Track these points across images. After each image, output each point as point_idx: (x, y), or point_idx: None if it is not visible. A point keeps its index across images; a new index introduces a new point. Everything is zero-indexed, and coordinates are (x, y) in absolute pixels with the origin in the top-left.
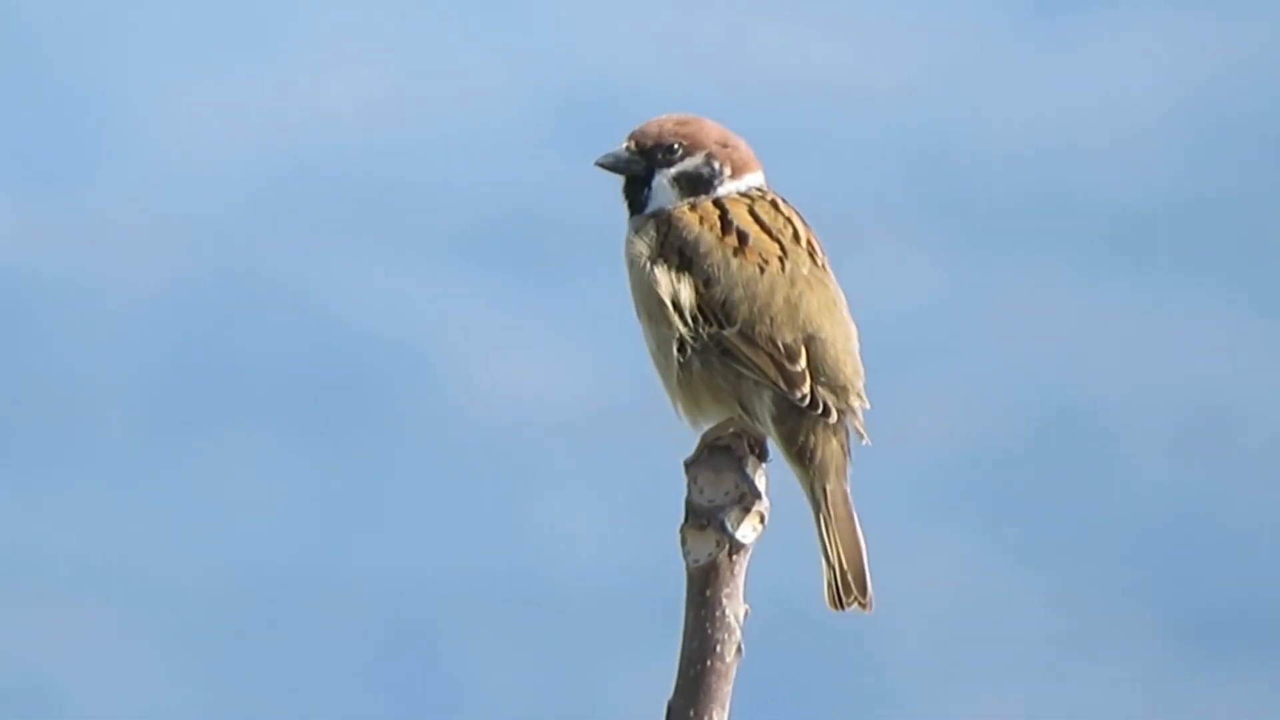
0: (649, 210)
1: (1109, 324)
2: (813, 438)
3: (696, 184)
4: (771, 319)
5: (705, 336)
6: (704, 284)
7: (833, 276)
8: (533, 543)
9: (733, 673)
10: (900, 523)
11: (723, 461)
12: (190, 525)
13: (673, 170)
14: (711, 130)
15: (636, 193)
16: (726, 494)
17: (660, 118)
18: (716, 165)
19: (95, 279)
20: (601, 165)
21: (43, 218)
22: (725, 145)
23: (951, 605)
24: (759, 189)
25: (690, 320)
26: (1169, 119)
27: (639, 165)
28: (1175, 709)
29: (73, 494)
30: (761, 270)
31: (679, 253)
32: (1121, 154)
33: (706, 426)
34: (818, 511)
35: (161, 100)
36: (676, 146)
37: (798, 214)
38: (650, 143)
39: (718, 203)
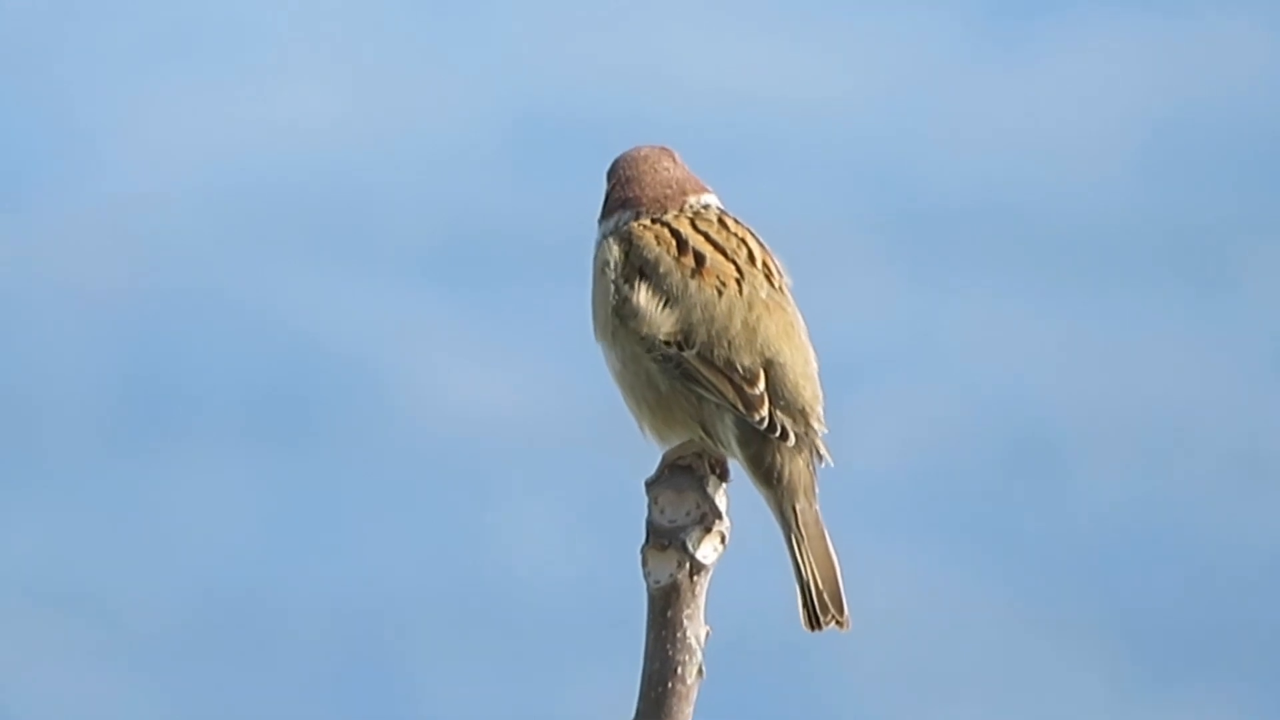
0: (602, 231)
1: (1065, 339)
2: (779, 459)
3: (624, 206)
4: (730, 342)
5: (665, 357)
6: (663, 305)
7: (790, 299)
8: (490, 560)
9: (694, 694)
10: (858, 539)
11: (684, 481)
12: (144, 540)
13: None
14: (637, 169)
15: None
16: (688, 514)
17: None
18: (637, 209)
19: (52, 292)
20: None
21: (1, 228)
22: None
23: (910, 622)
24: (705, 205)
25: (652, 340)
26: (1126, 133)
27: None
28: None
29: (25, 507)
30: (719, 293)
31: (639, 272)
32: (1078, 168)
33: (671, 444)
34: (789, 532)
35: (121, 115)
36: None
37: (752, 234)
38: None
39: (664, 223)
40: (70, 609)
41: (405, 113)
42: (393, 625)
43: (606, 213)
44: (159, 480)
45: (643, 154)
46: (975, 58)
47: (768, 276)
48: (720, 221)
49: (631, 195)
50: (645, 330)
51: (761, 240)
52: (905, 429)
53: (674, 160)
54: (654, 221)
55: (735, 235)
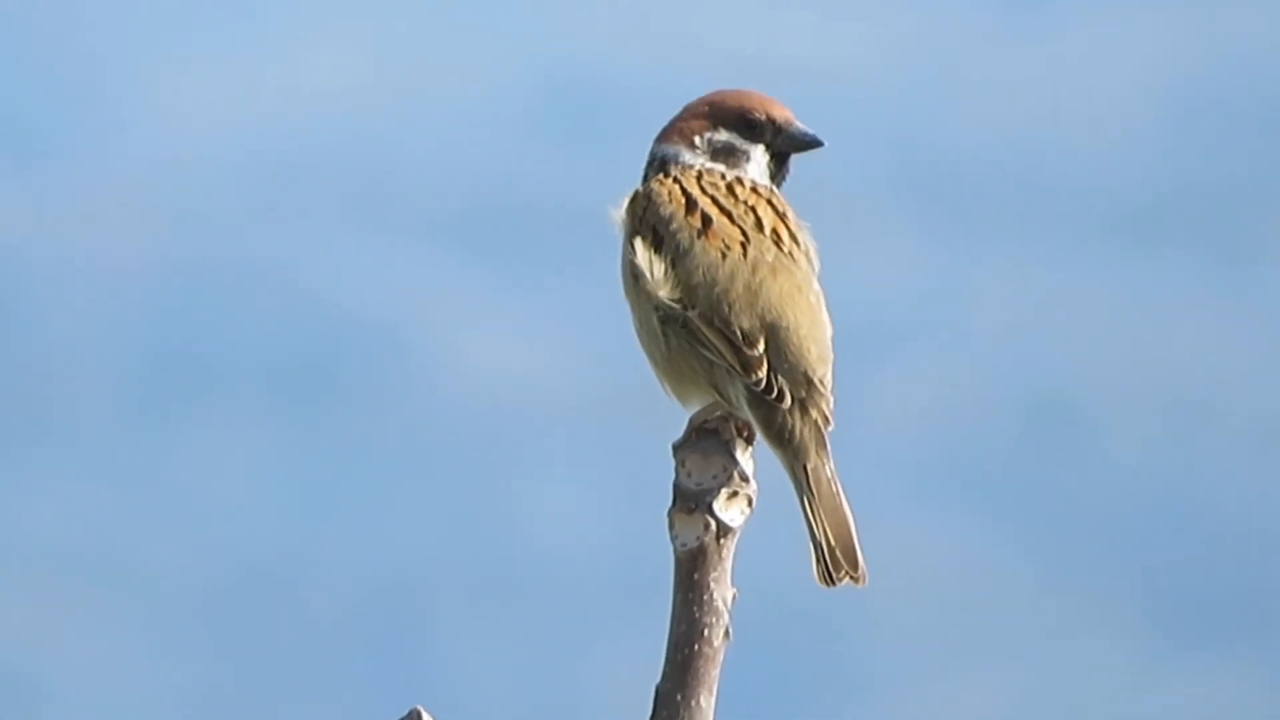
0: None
1: (1093, 308)
2: (789, 419)
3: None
4: (730, 304)
5: (670, 317)
6: (671, 263)
7: (803, 263)
8: (516, 526)
9: (720, 657)
10: (885, 506)
11: (711, 445)
12: (171, 507)
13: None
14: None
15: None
16: (714, 478)
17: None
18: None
19: (78, 259)
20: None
21: (26, 197)
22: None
23: (937, 589)
24: (707, 168)
25: (663, 298)
26: (1154, 104)
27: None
28: (1160, 691)
29: (53, 476)
30: (723, 256)
31: (653, 229)
32: (1105, 138)
33: (694, 406)
34: (801, 491)
35: (147, 81)
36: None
37: (769, 200)
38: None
39: (677, 181)
40: (98, 577)
41: (432, 78)
42: (419, 591)
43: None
44: (186, 448)
45: (693, 103)
46: (999, 22)
47: (776, 242)
48: (729, 188)
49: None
50: (652, 288)
51: (786, 213)
52: (930, 395)
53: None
54: (668, 177)
55: (744, 202)
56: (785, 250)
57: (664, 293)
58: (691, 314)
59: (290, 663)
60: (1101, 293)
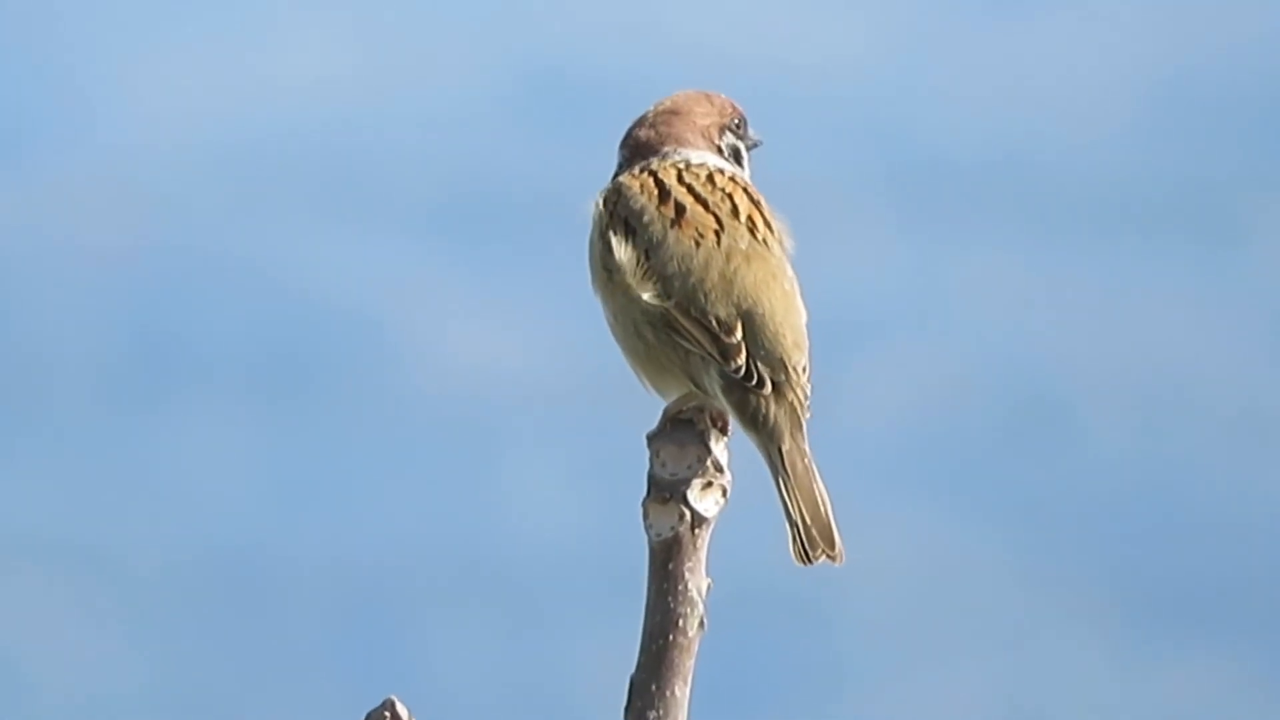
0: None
1: (1071, 297)
2: (763, 404)
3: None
4: (706, 293)
5: (648, 310)
6: (645, 255)
7: (776, 250)
8: (493, 516)
9: (695, 647)
10: (862, 495)
11: (685, 435)
12: (149, 497)
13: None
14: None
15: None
16: (689, 468)
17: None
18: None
19: (54, 248)
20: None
21: (1, 186)
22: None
23: (913, 578)
24: (698, 162)
25: (637, 291)
26: (1134, 96)
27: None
28: (1134, 681)
29: (30, 465)
30: (697, 244)
31: (625, 222)
32: (1085, 129)
33: (672, 397)
34: (775, 473)
35: (122, 69)
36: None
37: (744, 189)
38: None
39: (651, 172)
40: (76, 564)
41: (409, 68)
42: (396, 581)
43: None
44: (164, 437)
45: (657, 106)
46: (978, 13)
47: (751, 230)
48: (709, 178)
49: (625, 146)
50: (629, 281)
51: (760, 201)
52: (910, 386)
53: (685, 112)
54: (641, 171)
55: (721, 190)
56: (760, 238)
57: (641, 286)
58: (669, 305)
59: (267, 652)
60: (1081, 284)
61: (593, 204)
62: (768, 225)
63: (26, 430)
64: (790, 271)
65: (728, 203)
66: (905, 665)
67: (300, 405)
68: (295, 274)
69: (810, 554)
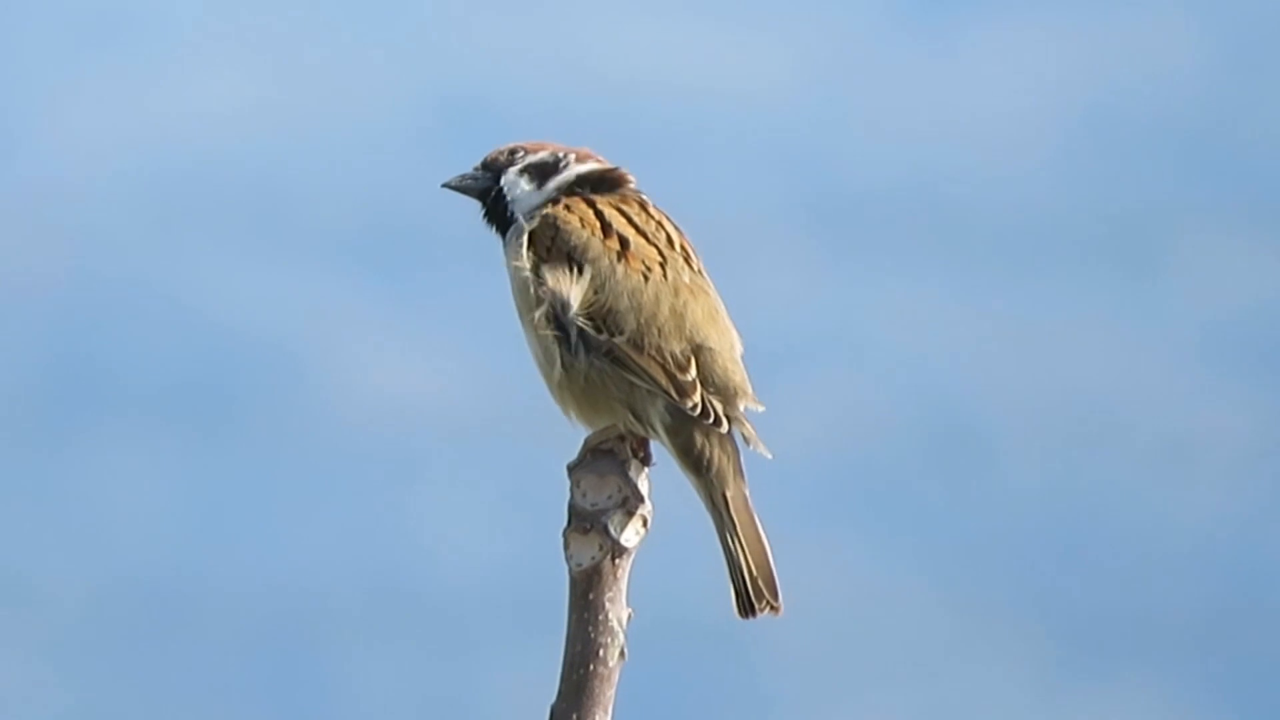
0: (519, 216)
1: (989, 326)
2: (708, 446)
3: (545, 169)
4: (659, 329)
5: (594, 344)
6: (593, 291)
7: (709, 282)
8: (411, 544)
9: (616, 676)
10: (783, 527)
11: (606, 465)
12: (64, 527)
13: (518, 165)
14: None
15: (499, 212)
16: (609, 498)
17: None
18: (561, 154)
19: None
20: (449, 186)
21: None
22: (570, 148)
23: (835, 608)
24: (632, 190)
25: (580, 326)
26: (1049, 121)
27: (485, 180)
28: (1059, 710)
29: None
30: (645, 279)
31: (568, 258)
32: (1004, 161)
33: (596, 428)
34: (720, 521)
35: (42, 101)
36: (519, 150)
37: (668, 217)
38: (495, 156)
39: (589, 201)
40: None
41: (324, 99)
42: (314, 610)
43: (515, 194)
44: (79, 467)
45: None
46: (899, 45)
47: (686, 260)
48: (640, 204)
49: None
50: (572, 317)
51: (678, 225)
52: (828, 416)
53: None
54: (580, 200)
55: (653, 219)
56: (696, 269)
57: (586, 321)
58: (619, 340)
59: (186, 682)
60: (1002, 314)
61: (520, 236)
62: (695, 254)
63: None
64: (722, 303)
65: (662, 232)
66: (828, 695)
67: (219, 436)
68: (214, 304)
69: (754, 606)
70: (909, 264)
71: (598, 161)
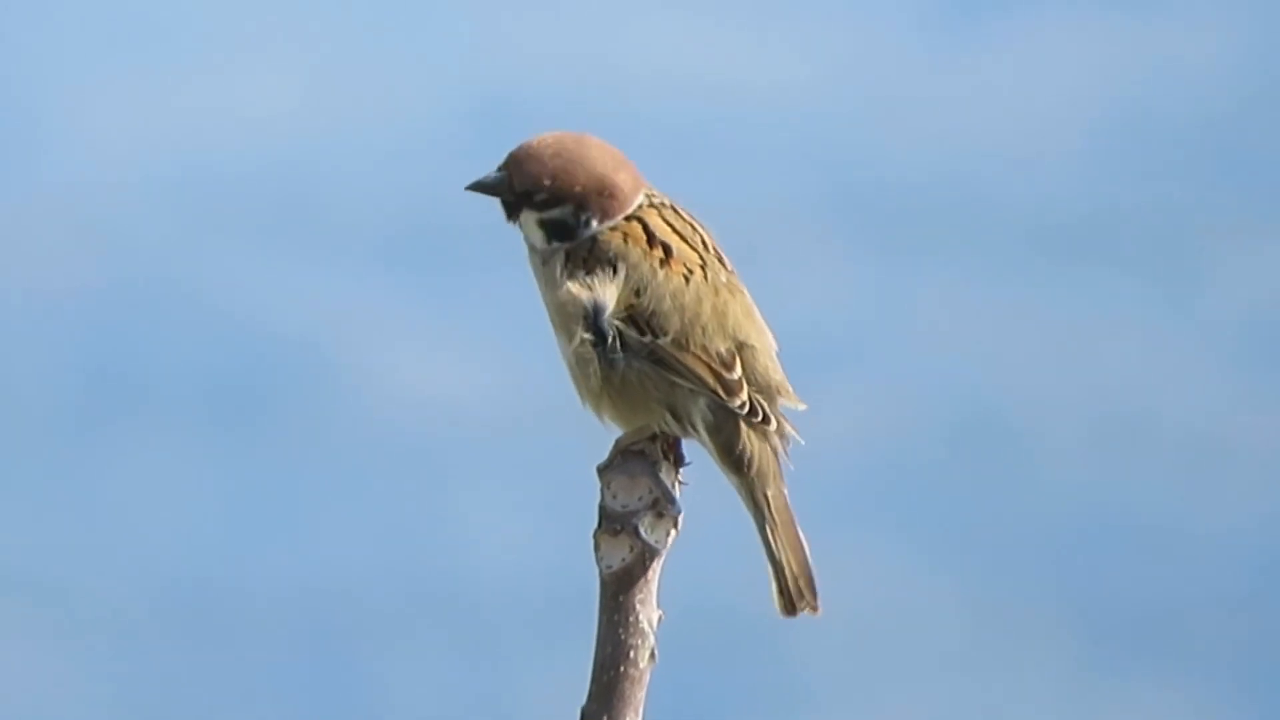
0: (555, 246)
1: (1025, 327)
2: (750, 445)
3: (562, 230)
4: (703, 328)
5: (634, 345)
6: (634, 294)
7: (742, 283)
8: (444, 546)
9: (646, 679)
10: (815, 526)
11: (637, 466)
12: (101, 528)
13: (537, 215)
14: (587, 170)
15: (557, 228)
16: (640, 499)
17: (540, 143)
18: (583, 217)
19: (3, 281)
20: (472, 188)
21: None
22: (600, 193)
23: (866, 609)
24: (657, 197)
25: (620, 330)
26: (1087, 122)
27: (509, 194)
28: (1089, 709)
29: None
30: (686, 280)
31: (609, 264)
32: (1036, 159)
33: (628, 429)
34: (762, 520)
35: (72, 102)
36: (544, 192)
37: (697, 220)
38: (521, 178)
39: (639, 219)
40: (29, 595)
41: (359, 100)
42: (348, 611)
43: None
44: (115, 468)
45: (569, 144)
46: (930, 41)
47: (720, 261)
48: (674, 209)
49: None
50: (609, 319)
51: (707, 227)
52: (862, 415)
53: (601, 146)
54: (626, 220)
55: (689, 223)
56: (730, 269)
57: (626, 324)
58: (663, 340)
59: (220, 682)
60: (1033, 312)
61: (549, 258)
62: (726, 256)
63: None
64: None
65: (698, 235)
66: (856, 696)
67: (253, 437)
68: (247, 305)
69: (796, 605)
70: (940, 263)
71: (618, 200)
